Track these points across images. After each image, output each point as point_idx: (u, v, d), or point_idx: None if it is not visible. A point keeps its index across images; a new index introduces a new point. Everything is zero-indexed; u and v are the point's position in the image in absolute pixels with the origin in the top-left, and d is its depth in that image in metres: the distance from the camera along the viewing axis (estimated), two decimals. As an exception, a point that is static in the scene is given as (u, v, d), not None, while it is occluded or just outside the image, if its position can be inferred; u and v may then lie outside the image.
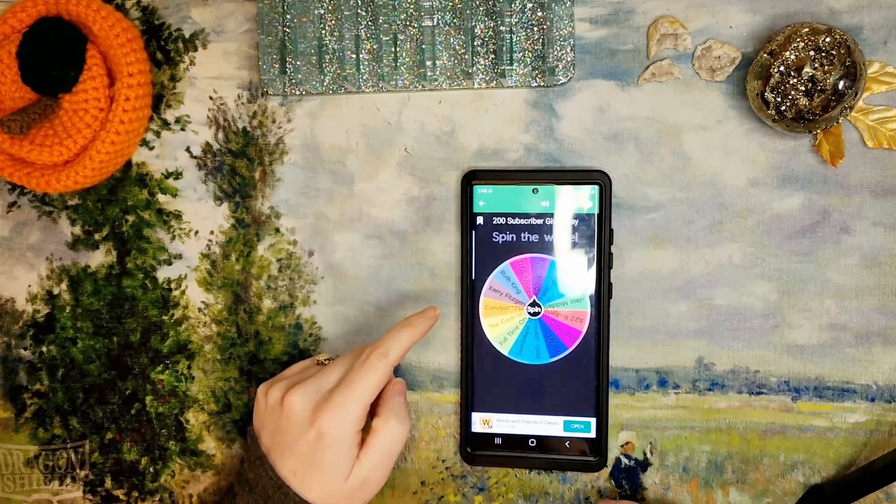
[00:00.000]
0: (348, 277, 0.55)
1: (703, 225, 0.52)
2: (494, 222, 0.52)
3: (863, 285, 0.51)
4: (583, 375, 0.52)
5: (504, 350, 0.53)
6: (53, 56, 0.52)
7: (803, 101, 0.47)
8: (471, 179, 0.52)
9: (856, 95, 0.47)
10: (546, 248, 0.52)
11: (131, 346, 0.58)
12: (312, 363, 0.52)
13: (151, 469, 0.58)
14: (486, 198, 0.52)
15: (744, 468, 0.52)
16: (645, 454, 0.54)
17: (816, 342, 0.51)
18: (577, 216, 0.51)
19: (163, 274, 0.57)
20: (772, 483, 0.52)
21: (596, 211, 0.51)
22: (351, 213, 0.55)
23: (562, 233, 0.52)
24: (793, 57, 0.46)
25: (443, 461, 0.55)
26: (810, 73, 0.46)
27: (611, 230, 0.51)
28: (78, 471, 0.59)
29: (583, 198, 0.51)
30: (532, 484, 0.54)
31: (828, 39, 0.46)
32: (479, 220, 0.52)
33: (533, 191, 0.52)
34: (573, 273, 0.52)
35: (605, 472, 0.54)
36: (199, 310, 0.57)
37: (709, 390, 0.52)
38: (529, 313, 0.52)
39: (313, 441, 0.46)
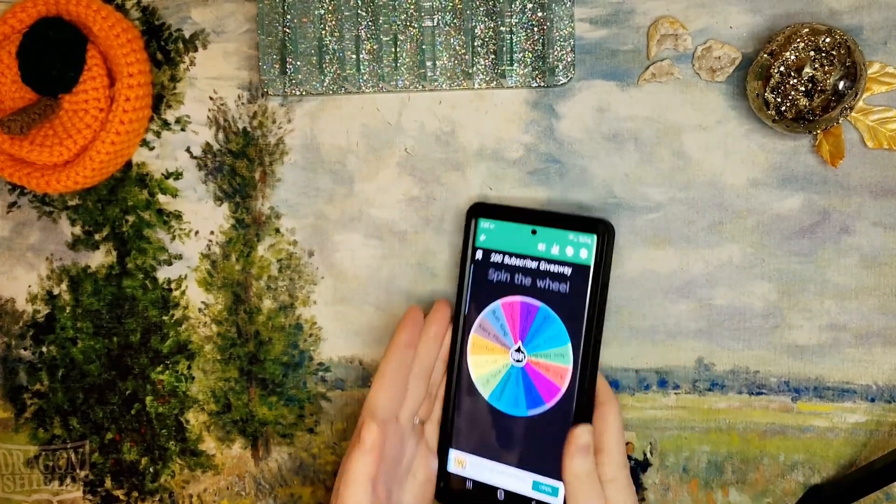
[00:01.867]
0: (348, 277, 0.55)
1: (703, 225, 0.52)
2: (492, 259, 0.49)
3: (863, 285, 0.51)
4: (556, 437, 0.47)
5: (485, 393, 0.50)
6: (53, 56, 0.52)
7: (803, 101, 0.47)
8: (476, 213, 0.50)
9: (856, 96, 0.47)
10: (537, 293, 0.48)
11: (131, 346, 0.58)
12: None
13: (151, 469, 0.58)
14: (488, 233, 0.50)
15: (744, 468, 0.52)
16: (645, 454, 0.54)
17: (816, 342, 0.51)
18: (572, 265, 0.47)
19: (163, 274, 0.57)
20: (772, 483, 0.52)
21: (591, 262, 0.47)
22: (351, 213, 0.55)
23: (554, 280, 0.48)
24: (793, 57, 0.46)
25: (443, 461, 0.55)
26: (810, 74, 0.46)
27: (605, 283, 0.47)
28: (78, 471, 0.59)
29: (580, 246, 0.47)
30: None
31: (828, 40, 0.46)
32: (479, 254, 0.50)
33: (532, 231, 0.49)
34: (560, 325, 0.48)
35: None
36: (200, 310, 0.57)
37: (709, 390, 0.52)
38: (514, 360, 0.49)
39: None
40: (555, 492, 0.48)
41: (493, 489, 0.49)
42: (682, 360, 0.53)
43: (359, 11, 0.53)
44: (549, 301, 0.48)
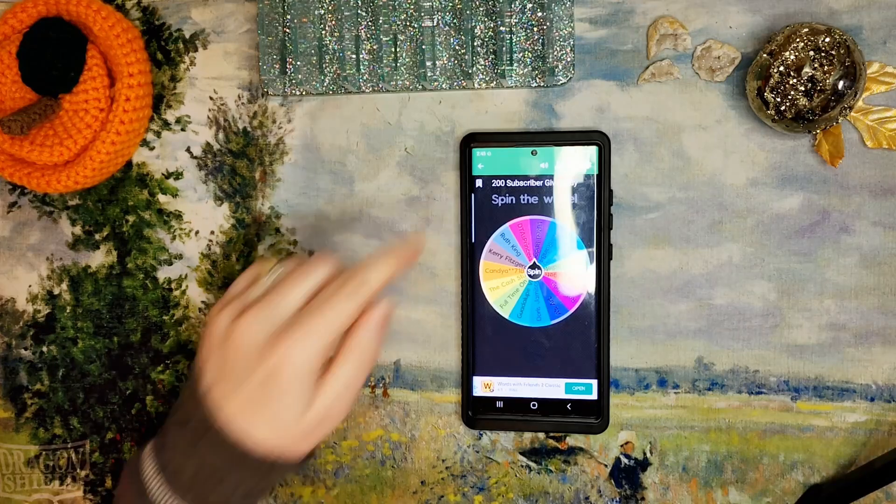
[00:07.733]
0: (348, 277, 0.55)
1: (703, 225, 0.52)
2: (493, 185, 0.52)
3: (862, 285, 0.51)
4: (584, 337, 0.52)
5: (505, 313, 0.53)
6: (54, 56, 0.52)
7: (803, 101, 0.47)
8: (469, 142, 0.53)
9: (855, 95, 0.47)
10: (546, 209, 0.52)
11: (132, 346, 0.58)
12: (261, 273, 0.46)
13: (152, 469, 0.58)
14: (485, 160, 0.52)
15: (743, 468, 0.53)
16: (645, 454, 0.54)
17: (816, 342, 0.51)
18: (577, 177, 0.52)
19: (163, 274, 0.57)
20: (771, 483, 0.52)
21: (595, 172, 0.51)
22: (351, 213, 0.55)
23: (561, 194, 0.52)
24: (792, 57, 0.46)
25: (443, 461, 0.55)
26: (810, 73, 0.46)
27: (610, 191, 0.51)
28: (78, 471, 0.59)
29: (582, 159, 0.51)
30: (532, 483, 0.54)
31: (827, 39, 0.46)
32: (479, 182, 0.53)
33: (532, 153, 0.52)
34: (573, 234, 0.52)
35: (605, 471, 0.54)
36: (200, 310, 0.57)
37: (708, 390, 0.52)
38: (529, 276, 0.52)
39: (269, 374, 0.40)
40: (588, 389, 0.52)
41: (525, 401, 0.53)
42: (682, 360, 0.53)
43: (359, 11, 0.53)
44: (560, 215, 0.52)
